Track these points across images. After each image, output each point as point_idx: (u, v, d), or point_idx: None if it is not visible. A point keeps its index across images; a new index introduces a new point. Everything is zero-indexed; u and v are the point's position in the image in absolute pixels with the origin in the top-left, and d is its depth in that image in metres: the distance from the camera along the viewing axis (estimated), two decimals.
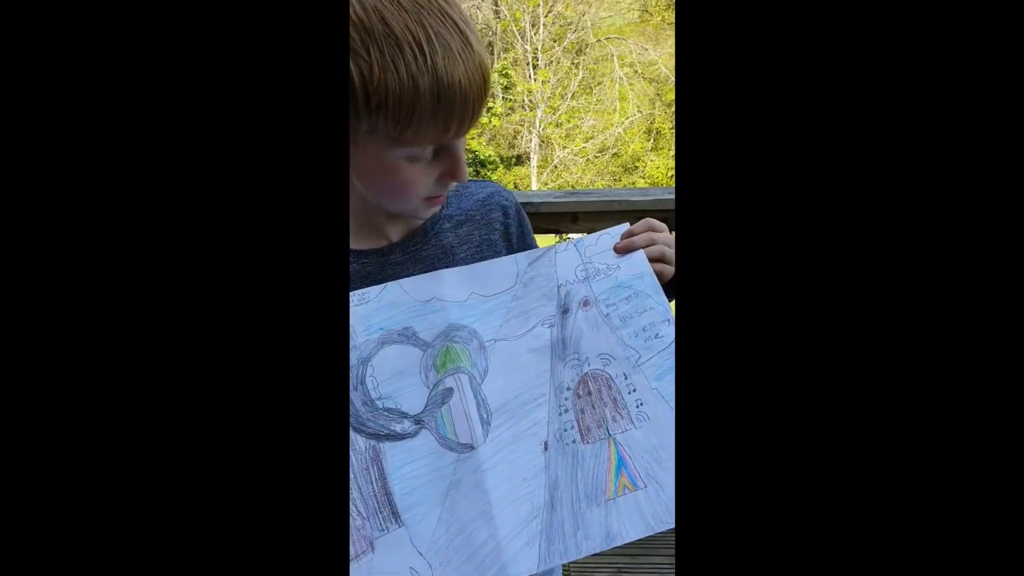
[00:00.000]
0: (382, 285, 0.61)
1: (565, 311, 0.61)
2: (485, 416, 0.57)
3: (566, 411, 0.57)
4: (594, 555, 0.53)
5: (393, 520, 0.54)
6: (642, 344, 0.59)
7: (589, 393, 0.58)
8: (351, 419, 0.56)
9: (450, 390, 0.58)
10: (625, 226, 0.64)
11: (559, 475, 0.55)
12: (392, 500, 0.54)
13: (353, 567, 0.53)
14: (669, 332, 0.58)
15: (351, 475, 0.55)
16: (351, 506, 0.54)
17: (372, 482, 0.55)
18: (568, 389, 0.58)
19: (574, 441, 0.56)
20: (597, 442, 0.56)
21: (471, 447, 0.56)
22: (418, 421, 0.57)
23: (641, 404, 0.57)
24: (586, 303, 0.61)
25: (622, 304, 0.60)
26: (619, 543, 0.53)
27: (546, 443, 0.56)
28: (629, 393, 0.57)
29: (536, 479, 0.55)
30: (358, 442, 0.55)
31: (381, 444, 0.56)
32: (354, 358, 0.58)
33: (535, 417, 0.57)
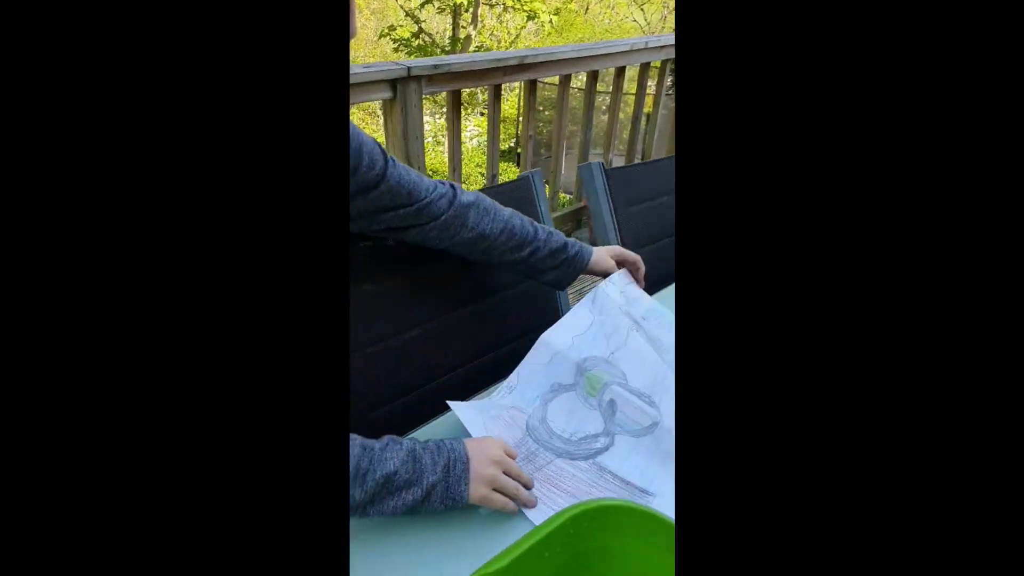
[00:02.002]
0: (515, 371, 0.84)
1: (637, 324, 0.86)
2: (648, 400, 0.76)
3: None
4: None
5: (644, 495, 0.71)
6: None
7: None
8: (566, 457, 0.76)
9: (613, 401, 0.78)
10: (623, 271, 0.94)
11: None
12: (635, 485, 0.71)
13: None
14: None
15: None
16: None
17: (611, 482, 0.72)
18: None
19: None
20: None
21: (656, 423, 0.74)
22: (608, 433, 0.77)
23: None
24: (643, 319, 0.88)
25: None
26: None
27: None
28: None
29: None
30: (581, 465, 0.75)
31: (598, 458, 0.75)
32: (535, 422, 0.79)
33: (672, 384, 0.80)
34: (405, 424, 0.88)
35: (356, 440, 0.68)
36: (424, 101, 2.11)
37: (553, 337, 0.83)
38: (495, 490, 0.70)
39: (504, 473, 0.71)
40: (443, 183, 0.92)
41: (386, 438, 0.70)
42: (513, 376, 0.87)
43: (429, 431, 0.85)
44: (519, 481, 0.72)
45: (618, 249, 0.99)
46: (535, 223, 0.95)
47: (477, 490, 0.70)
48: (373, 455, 0.67)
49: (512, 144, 7.70)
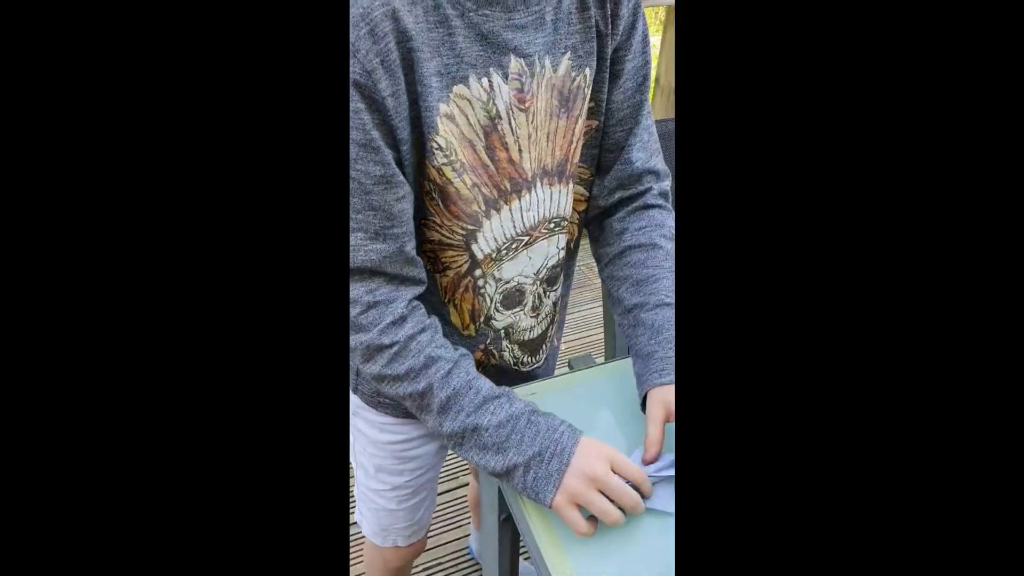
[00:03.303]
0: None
1: None
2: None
3: None
4: None
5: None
6: None
7: None
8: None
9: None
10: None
11: None
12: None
13: None
14: None
15: None
16: None
17: None
18: None
19: None
20: None
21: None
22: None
23: None
24: None
25: None
26: None
27: None
28: None
29: None
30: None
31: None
32: None
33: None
34: None
35: (470, 375, 0.64)
36: None
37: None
38: (579, 505, 0.61)
39: (600, 491, 0.60)
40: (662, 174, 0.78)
41: (503, 390, 0.65)
42: None
43: None
44: (620, 501, 0.61)
45: (666, 407, 0.67)
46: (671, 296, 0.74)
47: (561, 499, 0.61)
48: (478, 398, 0.63)
49: None
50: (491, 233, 0.70)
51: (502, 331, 0.78)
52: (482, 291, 0.74)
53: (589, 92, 0.69)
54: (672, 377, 0.67)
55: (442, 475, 1.62)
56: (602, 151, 0.76)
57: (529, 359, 0.84)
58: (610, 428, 0.73)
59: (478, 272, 0.72)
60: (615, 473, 0.61)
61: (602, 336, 2.01)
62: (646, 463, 0.65)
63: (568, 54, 0.65)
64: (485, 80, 0.62)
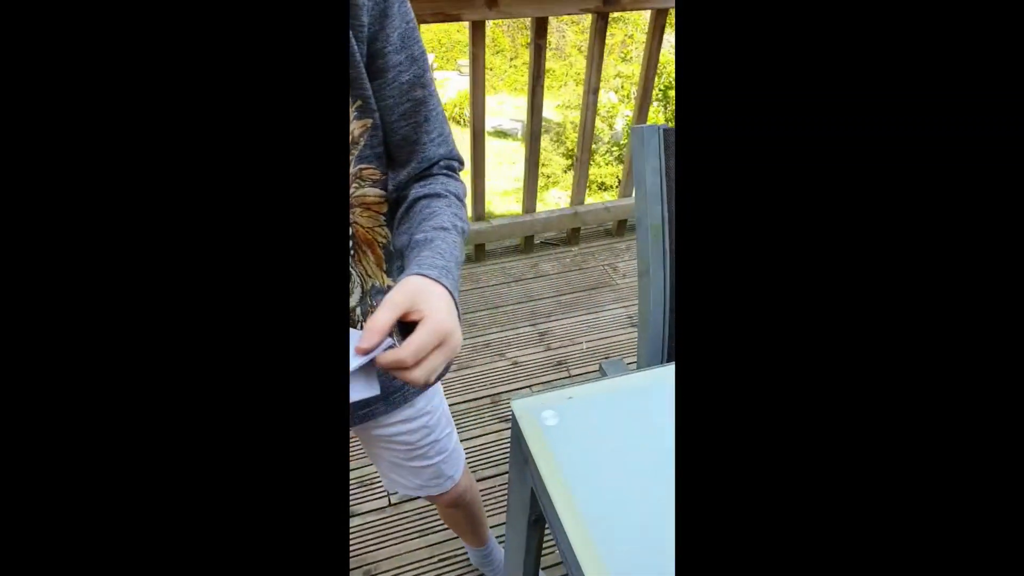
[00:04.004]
0: None
1: None
2: None
3: None
4: None
5: None
6: None
7: None
8: None
9: None
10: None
11: None
12: None
13: None
14: None
15: None
16: None
17: None
18: None
19: None
20: None
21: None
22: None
23: None
24: None
25: None
26: None
27: None
28: None
29: None
30: None
31: None
32: None
33: None
34: None
35: None
36: None
37: None
38: None
39: None
40: (454, 157, 0.76)
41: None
42: None
43: None
44: None
45: (410, 297, 0.58)
46: (447, 234, 0.69)
47: None
48: None
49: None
50: None
51: None
52: None
53: None
54: (433, 273, 0.61)
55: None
56: (391, 147, 0.72)
57: None
58: (640, 437, 0.74)
59: None
60: None
61: (622, 336, 2.01)
62: (363, 353, 0.54)
63: None
64: None
